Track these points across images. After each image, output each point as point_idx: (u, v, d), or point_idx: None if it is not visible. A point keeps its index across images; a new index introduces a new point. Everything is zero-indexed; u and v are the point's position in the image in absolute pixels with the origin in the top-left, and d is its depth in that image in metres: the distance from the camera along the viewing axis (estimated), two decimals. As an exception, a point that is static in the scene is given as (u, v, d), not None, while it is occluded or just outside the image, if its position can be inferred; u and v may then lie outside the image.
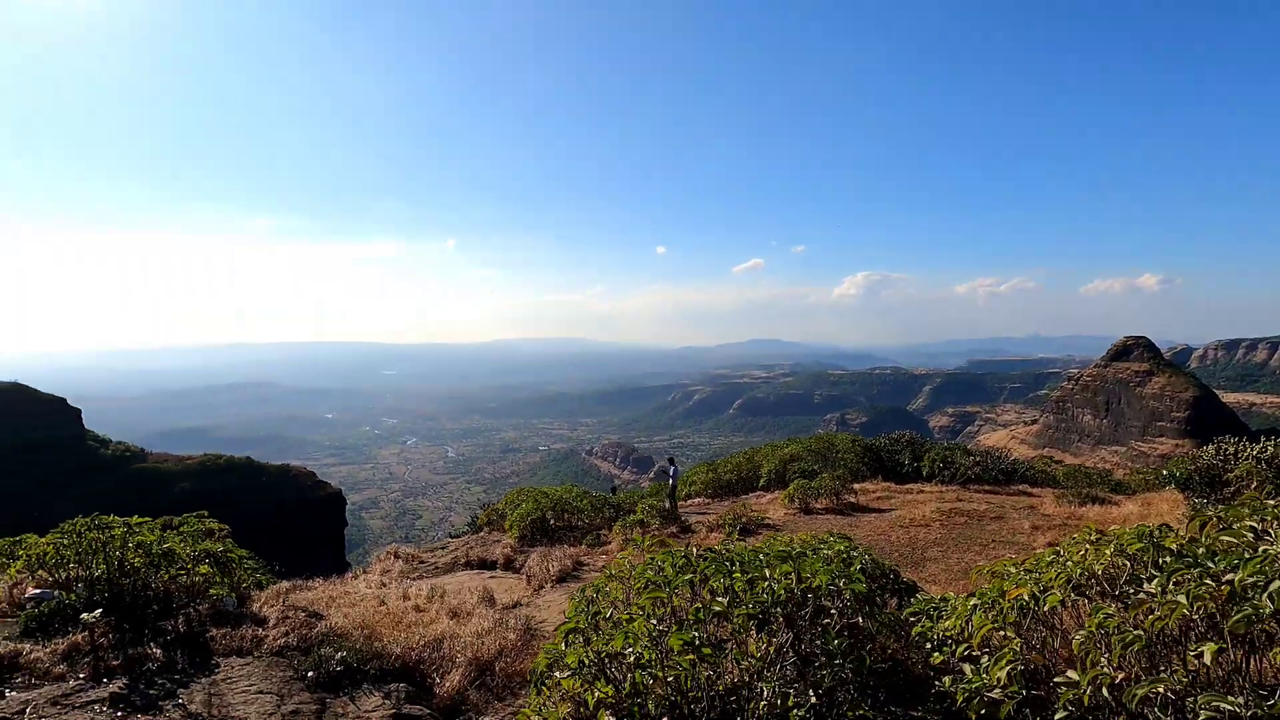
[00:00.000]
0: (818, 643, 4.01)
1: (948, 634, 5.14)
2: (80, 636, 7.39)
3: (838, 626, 4.36)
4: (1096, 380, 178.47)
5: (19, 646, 7.23)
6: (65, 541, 8.26)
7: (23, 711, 6.10)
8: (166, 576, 8.43)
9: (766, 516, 18.10)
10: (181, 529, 11.26)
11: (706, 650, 3.52)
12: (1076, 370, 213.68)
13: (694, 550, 4.60)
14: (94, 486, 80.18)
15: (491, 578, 15.46)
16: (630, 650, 3.76)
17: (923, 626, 5.55)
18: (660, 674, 3.72)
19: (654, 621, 3.85)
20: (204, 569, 9.04)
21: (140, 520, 8.58)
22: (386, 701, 7.02)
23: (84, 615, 7.43)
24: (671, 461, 24.82)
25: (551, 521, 17.92)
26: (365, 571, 17.23)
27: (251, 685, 6.92)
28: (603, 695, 3.93)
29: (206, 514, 12.29)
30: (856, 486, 20.89)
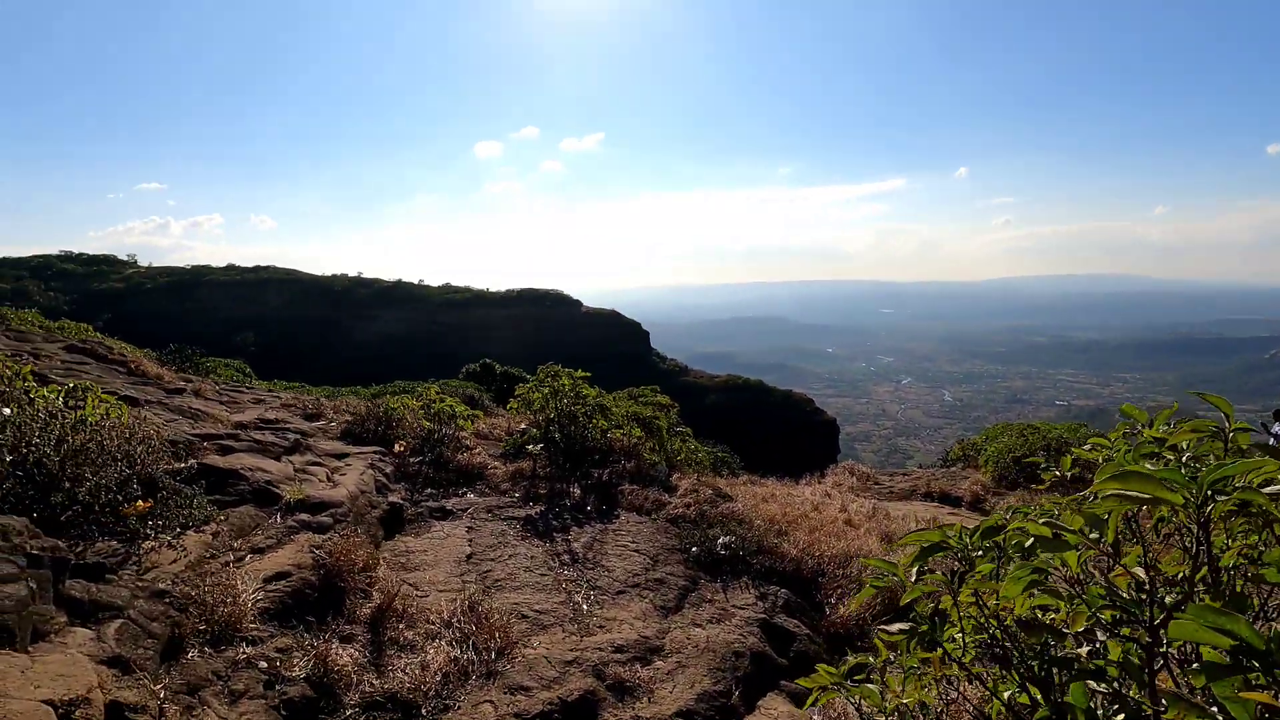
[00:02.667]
0: None
1: None
2: (526, 464, 8.39)
3: None
4: None
5: (491, 462, 8.63)
6: (535, 389, 9.54)
7: (465, 510, 7.07)
8: (600, 430, 8.97)
9: None
10: (640, 399, 12.05)
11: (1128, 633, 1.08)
12: None
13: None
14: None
15: (950, 513, 12.91)
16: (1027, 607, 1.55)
17: None
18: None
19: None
20: (636, 432, 9.42)
21: (584, 374, 9.35)
22: (760, 603, 5.87)
23: (529, 447, 8.38)
24: (1278, 416, 16.89)
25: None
26: (819, 481, 16.64)
27: (633, 544, 6.65)
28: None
29: (659, 389, 13.19)
30: None
